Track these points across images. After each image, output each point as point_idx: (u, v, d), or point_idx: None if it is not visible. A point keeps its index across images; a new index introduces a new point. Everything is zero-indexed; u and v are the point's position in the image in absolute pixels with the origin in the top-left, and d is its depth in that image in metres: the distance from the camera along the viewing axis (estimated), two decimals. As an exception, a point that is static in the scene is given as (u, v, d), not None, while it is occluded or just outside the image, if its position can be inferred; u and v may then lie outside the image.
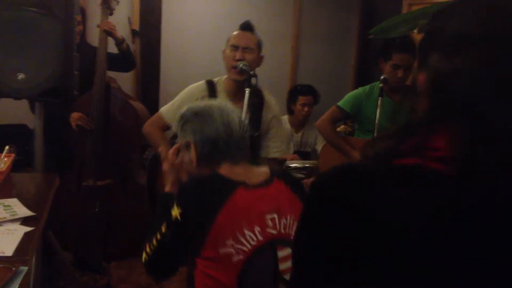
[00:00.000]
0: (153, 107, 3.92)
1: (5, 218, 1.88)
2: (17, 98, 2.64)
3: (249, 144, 1.66)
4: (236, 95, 2.58)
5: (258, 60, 2.61)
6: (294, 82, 4.84)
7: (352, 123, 3.29)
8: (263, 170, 1.64)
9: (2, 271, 1.48)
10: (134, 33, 4.22)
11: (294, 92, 4.07)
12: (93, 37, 3.68)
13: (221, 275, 1.43)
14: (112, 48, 3.48)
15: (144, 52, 4.30)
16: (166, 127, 2.66)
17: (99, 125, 3.31)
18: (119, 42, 3.46)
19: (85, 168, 3.38)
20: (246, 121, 2.36)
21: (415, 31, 2.31)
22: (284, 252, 1.51)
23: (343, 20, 4.98)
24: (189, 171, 1.66)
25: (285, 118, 4.06)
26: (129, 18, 4.20)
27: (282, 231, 1.52)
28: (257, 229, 1.46)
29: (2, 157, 2.50)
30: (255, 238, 1.45)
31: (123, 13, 4.16)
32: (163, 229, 1.49)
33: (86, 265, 3.52)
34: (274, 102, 2.68)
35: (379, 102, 2.76)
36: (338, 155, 3.12)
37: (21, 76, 2.43)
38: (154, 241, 1.53)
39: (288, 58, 4.87)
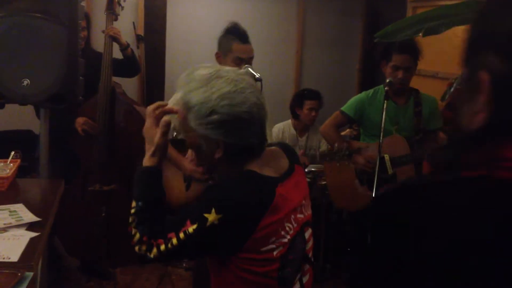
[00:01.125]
0: (158, 112, 3.92)
1: (10, 223, 1.88)
2: (22, 104, 2.64)
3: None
4: None
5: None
6: (298, 86, 4.84)
7: (357, 127, 3.29)
8: (278, 153, 1.53)
9: (7, 276, 1.48)
10: (138, 38, 4.24)
11: (301, 97, 4.06)
12: (98, 43, 3.69)
13: (261, 268, 1.37)
14: (117, 53, 3.49)
15: (149, 57, 4.31)
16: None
17: (104, 130, 3.32)
18: (124, 48, 3.47)
19: (91, 173, 3.39)
20: None
21: (420, 34, 2.30)
22: (308, 233, 1.51)
23: (348, 24, 4.98)
24: (204, 163, 1.50)
25: (289, 122, 4.05)
26: (134, 23, 4.22)
27: (306, 213, 1.51)
28: (292, 217, 1.43)
29: (7, 162, 2.50)
30: (292, 227, 1.42)
31: (128, 18, 4.17)
32: (190, 230, 1.32)
33: (92, 270, 3.52)
34: None
35: (384, 105, 2.75)
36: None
37: (26, 82, 2.44)
38: (174, 240, 1.33)
39: (292, 62, 4.88)
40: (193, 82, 1.40)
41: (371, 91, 3.15)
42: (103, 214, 3.34)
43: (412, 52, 2.89)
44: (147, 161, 1.52)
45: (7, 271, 1.51)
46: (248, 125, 1.37)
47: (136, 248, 1.40)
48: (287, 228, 1.40)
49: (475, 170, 0.70)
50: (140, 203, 1.44)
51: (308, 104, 3.98)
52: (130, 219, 1.45)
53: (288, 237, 1.40)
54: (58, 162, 3.15)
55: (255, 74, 2.46)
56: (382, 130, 2.71)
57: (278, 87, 4.55)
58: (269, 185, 1.38)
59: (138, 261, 1.42)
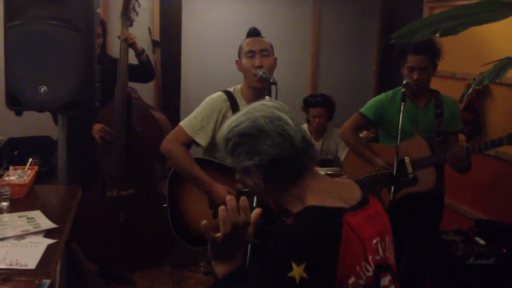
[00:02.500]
0: (174, 117, 3.94)
1: (28, 230, 1.89)
2: (40, 111, 2.67)
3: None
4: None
5: (275, 62, 2.57)
6: (314, 89, 4.81)
7: (375, 129, 3.25)
8: (348, 184, 1.43)
9: (25, 284, 1.49)
10: (154, 43, 4.26)
11: (305, 104, 4.04)
12: (114, 49, 3.72)
13: None
14: (133, 59, 3.51)
15: (164, 62, 4.33)
16: (189, 142, 2.49)
17: (121, 135, 3.34)
18: (139, 53, 3.49)
19: (109, 179, 3.40)
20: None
21: (437, 35, 2.27)
22: (385, 280, 1.35)
23: (363, 25, 4.95)
24: (259, 195, 1.47)
25: (305, 126, 4.03)
26: (149, 29, 4.24)
27: (382, 255, 1.34)
28: (369, 257, 1.29)
29: (25, 169, 2.53)
30: (370, 268, 1.29)
31: (144, 24, 4.20)
32: None
33: (111, 275, 3.54)
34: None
35: (402, 107, 2.72)
36: (362, 162, 3.08)
37: (43, 89, 2.47)
38: None
39: (308, 65, 4.85)
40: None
41: (390, 92, 3.11)
42: (121, 219, 3.36)
43: (428, 52, 2.85)
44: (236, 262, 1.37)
45: (24, 278, 1.52)
46: (259, 137, 1.33)
47: None
48: (364, 269, 1.28)
49: None
50: None
51: (312, 111, 3.96)
52: None
53: (365, 278, 1.27)
54: (76, 168, 3.18)
55: (270, 77, 2.43)
56: (399, 132, 2.68)
57: (294, 90, 4.53)
58: (334, 216, 1.27)
59: None
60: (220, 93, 2.56)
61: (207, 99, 2.56)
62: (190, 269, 3.83)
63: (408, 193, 2.86)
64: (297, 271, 1.18)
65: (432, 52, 2.88)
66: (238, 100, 2.55)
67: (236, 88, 2.60)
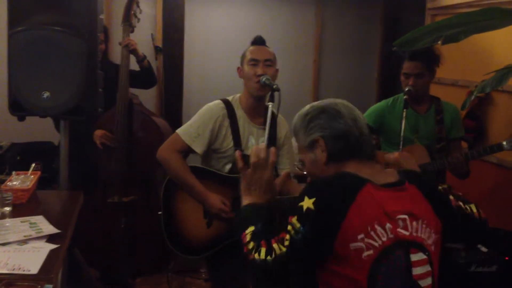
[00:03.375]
0: (176, 123, 3.94)
1: (30, 235, 1.89)
2: (42, 116, 2.67)
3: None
4: (254, 111, 2.56)
5: (276, 73, 2.58)
6: (316, 95, 4.82)
7: (376, 136, 3.25)
8: (390, 172, 1.59)
9: (27, 289, 1.49)
10: (157, 49, 4.27)
11: None
12: (116, 55, 3.73)
13: (351, 271, 1.38)
14: (134, 65, 3.52)
15: (167, 68, 4.34)
16: (185, 150, 2.51)
17: (122, 141, 3.34)
18: (140, 60, 3.50)
19: (110, 185, 3.40)
20: (266, 137, 2.31)
21: (439, 42, 2.27)
22: (417, 256, 1.45)
23: (365, 32, 4.96)
24: (313, 172, 1.62)
25: None
26: (152, 35, 4.25)
27: (414, 233, 1.46)
28: (388, 226, 1.41)
29: (28, 175, 2.53)
30: (385, 235, 1.40)
31: (146, 30, 4.21)
32: (294, 220, 1.42)
33: (112, 281, 3.53)
34: (283, 119, 2.67)
35: (404, 114, 2.73)
36: None
37: (46, 94, 2.47)
38: (287, 236, 1.43)
39: (310, 71, 4.86)
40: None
41: (390, 99, 3.12)
42: (122, 226, 3.36)
43: (424, 58, 2.86)
44: (259, 198, 1.67)
45: (26, 283, 1.51)
46: (336, 115, 1.56)
47: (255, 255, 1.46)
48: (379, 232, 1.40)
49: None
50: (259, 225, 1.55)
51: None
52: (248, 238, 1.53)
53: (380, 242, 1.40)
54: (77, 173, 3.18)
55: (273, 84, 2.43)
56: (402, 139, 2.68)
57: (296, 96, 4.53)
58: (359, 181, 1.45)
59: (255, 272, 1.49)
60: (218, 101, 2.58)
61: (205, 107, 2.57)
62: (191, 276, 3.82)
63: None
64: (306, 203, 1.41)
65: (428, 59, 2.88)
66: (235, 108, 2.56)
67: (235, 97, 2.61)
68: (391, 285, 1.40)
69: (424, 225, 1.48)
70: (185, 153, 2.53)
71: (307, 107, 1.65)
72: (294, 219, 1.42)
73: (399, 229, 1.43)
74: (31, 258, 1.71)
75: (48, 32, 2.49)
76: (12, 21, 2.54)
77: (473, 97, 2.86)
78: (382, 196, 1.45)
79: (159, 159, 2.53)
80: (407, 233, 1.44)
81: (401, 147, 2.68)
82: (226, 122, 2.52)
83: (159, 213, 2.54)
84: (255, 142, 2.54)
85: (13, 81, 2.54)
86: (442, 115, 2.98)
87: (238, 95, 2.61)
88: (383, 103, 3.14)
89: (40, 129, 3.64)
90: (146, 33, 4.21)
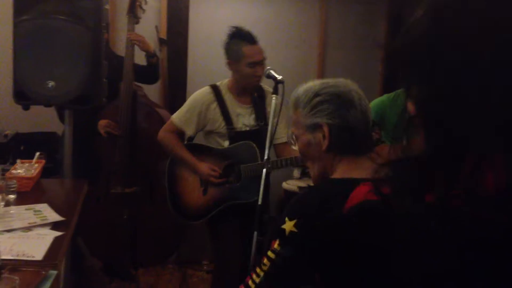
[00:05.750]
0: (180, 114, 3.94)
1: (35, 222, 1.90)
2: (47, 105, 2.68)
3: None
4: (241, 96, 2.82)
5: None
6: (320, 89, 4.81)
7: (378, 129, 3.24)
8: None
9: (32, 275, 1.49)
10: (161, 41, 4.26)
11: None
12: (120, 46, 3.72)
13: None
14: (139, 59, 3.51)
15: (171, 60, 4.33)
16: (179, 132, 2.84)
17: (126, 132, 3.34)
18: (151, 56, 3.48)
19: (113, 176, 3.41)
20: (274, 127, 2.36)
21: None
22: None
23: (370, 26, 4.95)
24: (306, 153, 1.49)
25: None
26: (156, 27, 4.24)
27: None
28: None
29: (32, 163, 2.54)
30: None
31: (151, 22, 4.20)
32: (276, 246, 1.29)
33: (114, 272, 3.55)
34: (270, 90, 2.71)
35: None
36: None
37: (51, 83, 2.47)
38: (265, 261, 1.31)
39: (314, 65, 4.85)
40: (303, 85, 1.53)
41: (392, 94, 3.11)
42: (125, 216, 3.37)
43: None
44: None
45: (31, 269, 1.52)
46: (348, 105, 1.43)
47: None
48: None
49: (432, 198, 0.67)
50: None
51: None
52: None
53: None
54: (79, 164, 3.18)
55: (277, 76, 2.46)
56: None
57: (300, 90, 4.53)
58: (349, 184, 1.27)
59: None
60: (206, 87, 2.88)
61: (194, 93, 2.89)
62: (193, 267, 3.84)
63: None
64: (288, 225, 1.28)
65: None
66: (223, 92, 2.81)
67: (223, 82, 2.87)
68: None
69: None
70: (180, 134, 2.87)
71: (318, 84, 1.49)
72: (276, 244, 1.30)
73: None
74: (35, 245, 1.72)
75: (53, 21, 2.50)
76: (18, 10, 2.55)
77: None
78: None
79: (158, 140, 2.88)
80: None
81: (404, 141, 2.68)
82: (214, 105, 2.80)
83: (165, 186, 2.95)
84: (247, 121, 2.82)
85: (18, 70, 2.56)
86: None
87: (226, 80, 2.88)
88: (384, 97, 3.13)
89: (44, 119, 3.64)
90: (150, 25, 4.20)
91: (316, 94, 1.45)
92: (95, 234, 3.31)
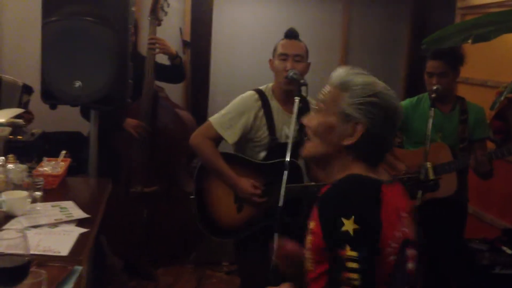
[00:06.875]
0: (202, 117, 3.97)
1: (61, 219, 1.95)
2: (74, 105, 2.73)
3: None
4: (287, 102, 2.56)
5: (307, 68, 2.60)
6: (342, 93, 4.79)
7: (401, 134, 3.23)
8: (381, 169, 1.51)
9: (58, 270, 1.53)
10: (185, 44, 4.30)
11: None
12: (144, 47, 3.77)
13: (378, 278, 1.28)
14: (161, 58, 3.55)
15: (194, 62, 4.37)
16: (217, 138, 2.54)
17: (146, 133, 3.38)
18: (173, 57, 3.50)
19: (133, 175, 3.44)
20: (296, 129, 2.34)
21: (469, 41, 2.26)
22: (410, 252, 1.38)
23: (394, 30, 4.92)
24: (319, 133, 1.44)
25: None
26: (180, 29, 4.29)
27: (410, 231, 1.38)
28: (401, 225, 1.34)
29: (58, 161, 2.59)
30: (400, 236, 1.33)
31: (175, 24, 4.25)
32: (348, 253, 1.23)
33: (134, 271, 3.58)
34: (313, 101, 2.62)
35: (431, 113, 2.71)
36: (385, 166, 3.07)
37: (78, 83, 2.52)
38: (354, 275, 1.22)
39: (336, 68, 4.85)
40: (359, 73, 1.48)
41: (415, 98, 3.10)
42: (145, 216, 3.40)
43: (447, 58, 2.83)
44: None
45: (57, 264, 1.56)
46: (393, 121, 1.41)
47: None
48: (397, 234, 1.32)
49: None
50: None
51: None
52: None
53: (397, 245, 1.31)
54: (101, 163, 3.22)
55: (300, 78, 2.44)
56: (429, 138, 2.67)
57: (322, 93, 4.52)
58: (375, 183, 1.36)
59: None
60: (251, 92, 2.59)
61: (239, 98, 2.59)
62: (212, 268, 3.85)
63: (429, 199, 2.85)
64: (348, 225, 1.24)
65: (451, 58, 2.85)
66: (269, 99, 2.58)
67: (268, 86, 2.62)
68: (396, 283, 1.35)
69: (410, 220, 1.43)
70: (217, 140, 2.56)
71: (381, 85, 1.43)
72: (348, 249, 1.23)
73: (404, 228, 1.36)
74: (61, 241, 1.76)
75: (81, 22, 2.55)
76: (46, 11, 2.60)
77: (502, 98, 2.83)
78: (393, 193, 1.38)
79: (191, 145, 2.57)
80: (407, 231, 1.37)
81: (428, 145, 2.67)
82: (261, 113, 2.54)
83: (192, 197, 2.61)
84: (289, 131, 2.48)
85: (46, 70, 2.61)
86: (467, 115, 2.96)
87: (271, 84, 2.62)
88: (407, 101, 3.12)
89: (70, 119, 3.70)
90: (175, 27, 4.25)
91: (376, 95, 1.39)
92: (115, 233, 3.35)
